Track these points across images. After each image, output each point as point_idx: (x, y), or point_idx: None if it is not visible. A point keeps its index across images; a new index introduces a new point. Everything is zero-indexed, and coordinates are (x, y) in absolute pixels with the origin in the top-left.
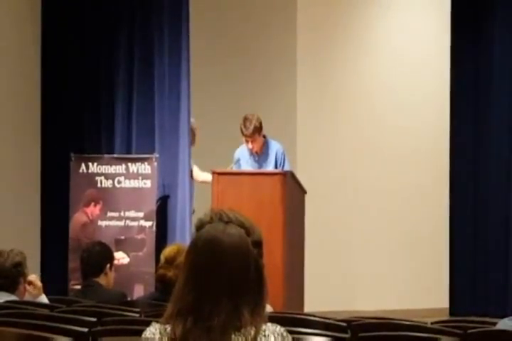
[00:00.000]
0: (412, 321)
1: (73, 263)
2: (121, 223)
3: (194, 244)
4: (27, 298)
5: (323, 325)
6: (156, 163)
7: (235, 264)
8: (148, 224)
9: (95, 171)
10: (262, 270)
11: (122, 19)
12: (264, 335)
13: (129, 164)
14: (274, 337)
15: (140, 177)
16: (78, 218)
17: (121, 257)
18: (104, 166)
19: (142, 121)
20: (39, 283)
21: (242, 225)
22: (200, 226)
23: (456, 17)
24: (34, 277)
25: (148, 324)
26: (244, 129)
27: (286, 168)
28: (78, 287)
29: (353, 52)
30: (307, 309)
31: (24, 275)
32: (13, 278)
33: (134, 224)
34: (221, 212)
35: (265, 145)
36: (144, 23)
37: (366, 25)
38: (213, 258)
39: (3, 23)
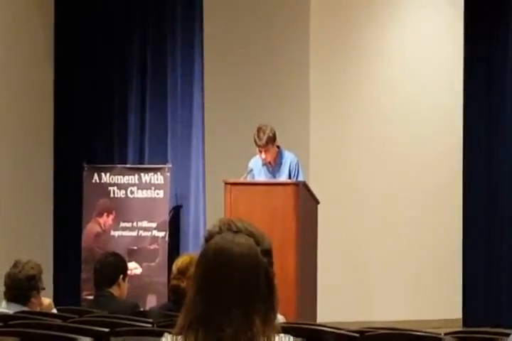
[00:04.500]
0: (425, 332)
1: (86, 273)
2: (134, 233)
3: (204, 254)
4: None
5: (335, 335)
6: (168, 173)
7: (245, 274)
8: (161, 234)
9: (108, 181)
10: (272, 279)
11: (135, 30)
12: None
13: (142, 174)
14: None
15: (153, 188)
16: (91, 228)
17: (133, 267)
18: (116, 176)
19: (155, 132)
20: (46, 301)
21: (251, 235)
22: (209, 237)
23: (469, 24)
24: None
25: (160, 334)
26: (257, 139)
27: (300, 178)
28: (91, 297)
29: (366, 62)
30: (320, 319)
31: (37, 288)
32: (25, 290)
33: (147, 234)
34: (230, 221)
35: (279, 155)
36: (156, 33)
37: (378, 35)
38: (223, 268)
39: (17, 37)
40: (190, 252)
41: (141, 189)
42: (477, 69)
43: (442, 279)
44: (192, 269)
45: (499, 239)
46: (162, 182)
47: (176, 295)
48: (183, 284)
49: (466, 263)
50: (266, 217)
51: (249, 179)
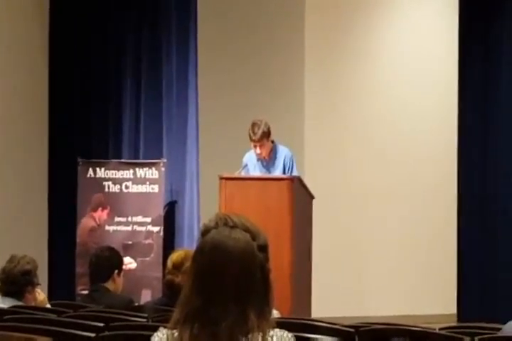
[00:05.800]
0: (420, 327)
1: (80, 268)
2: (129, 228)
3: (200, 249)
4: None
5: (330, 330)
6: (163, 168)
7: (241, 269)
8: (155, 229)
9: (103, 176)
10: (268, 274)
11: (130, 25)
12: None
13: (137, 169)
14: None
15: (147, 182)
16: (86, 223)
17: (128, 262)
18: (111, 171)
19: (150, 127)
20: (41, 296)
21: (247, 230)
22: (205, 232)
23: (465, 22)
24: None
25: (155, 329)
26: (252, 134)
27: (295, 173)
28: (85, 292)
29: (362, 60)
30: (314, 314)
31: (32, 284)
32: (20, 285)
33: (142, 229)
34: (226, 216)
35: (273, 150)
36: (151, 29)
37: (374, 33)
38: (219, 263)
39: (13, 36)
40: (185, 247)
41: (136, 184)
42: (473, 68)
43: (437, 274)
44: (187, 264)
45: (494, 235)
46: (157, 177)
47: (170, 289)
48: (178, 279)
49: (461, 258)
50: (261, 212)
51: (243, 174)
